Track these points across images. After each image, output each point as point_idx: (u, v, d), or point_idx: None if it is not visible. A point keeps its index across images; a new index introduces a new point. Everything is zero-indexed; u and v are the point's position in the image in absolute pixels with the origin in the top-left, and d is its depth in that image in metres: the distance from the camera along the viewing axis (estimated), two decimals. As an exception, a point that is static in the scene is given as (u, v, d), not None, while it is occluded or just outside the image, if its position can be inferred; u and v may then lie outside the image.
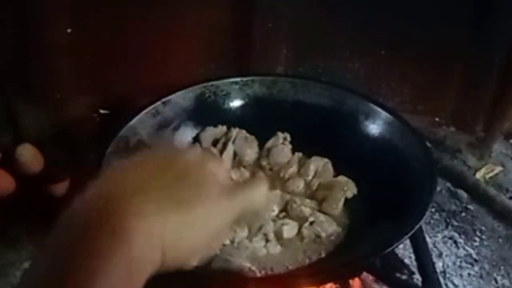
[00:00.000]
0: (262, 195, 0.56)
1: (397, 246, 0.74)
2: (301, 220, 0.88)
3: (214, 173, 0.52)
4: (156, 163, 0.49)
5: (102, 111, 1.33)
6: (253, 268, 0.79)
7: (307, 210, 0.89)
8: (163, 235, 0.45)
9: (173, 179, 0.48)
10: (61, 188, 1.15)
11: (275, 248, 0.83)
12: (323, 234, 0.85)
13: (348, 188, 0.93)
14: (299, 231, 0.86)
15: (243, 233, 0.83)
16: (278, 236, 0.85)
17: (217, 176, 0.52)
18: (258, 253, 0.82)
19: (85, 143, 1.26)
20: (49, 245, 0.44)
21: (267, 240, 0.83)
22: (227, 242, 0.81)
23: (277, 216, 0.89)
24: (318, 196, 0.93)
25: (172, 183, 0.48)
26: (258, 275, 0.78)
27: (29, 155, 1.20)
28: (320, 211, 0.90)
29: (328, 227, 0.86)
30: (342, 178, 0.95)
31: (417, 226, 0.75)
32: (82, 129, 1.30)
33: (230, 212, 0.52)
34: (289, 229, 0.86)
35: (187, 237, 0.47)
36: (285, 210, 0.90)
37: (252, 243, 0.83)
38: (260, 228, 0.83)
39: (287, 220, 0.87)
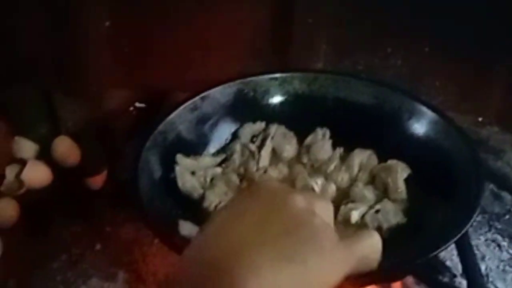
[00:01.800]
0: (376, 245, 0.53)
1: (443, 250, 0.72)
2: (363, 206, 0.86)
3: (326, 221, 0.48)
4: (266, 209, 0.46)
5: (138, 105, 1.33)
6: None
7: (370, 195, 0.87)
8: None
9: (283, 230, 0.44)
10: (98, 181, 1.15)
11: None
12: (385, 225, 0.83)
13: (403, 168, 0.90)
14: (362, 218, 0.84)
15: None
16: (345, 220, 0.83)
17: (329, 225, 0.48)
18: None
19: (121, 136, 1.25)
20: None
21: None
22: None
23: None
24: (377, 184, 0.91)
25: (282, 234, 0.44)
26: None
27: (66, 148, 1.21)
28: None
29: (392, 218, 0.84)
30: (392, 161, 0.92)
31: (464, 230, 0.73)
32: (119, 122, 1.29)
33: (344, 265, 0.48)
34: (357, 214, 0.84)
35: None
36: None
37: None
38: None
39: (354, 204, 0.85)
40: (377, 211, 0.85)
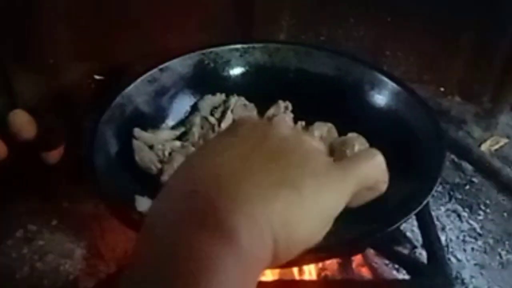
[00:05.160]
0: (379, 166, 0.46)
1: (403, 223, 0.71)
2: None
3: (316, 147, 0.44)
4: (248, 142, 0.41)
5: (97, 77, 1.30)
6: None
7: None
8: (272, 224, 0.37)
9: (271, 158, 0.40)
10: (55, 155, 1.12)
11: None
12: None
13: (362, 142, 0.89)
14: None
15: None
16: None
17: (320, 150, 0.44)
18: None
19: (80, 110, 1.22)
20: (142, 256, 0.36)
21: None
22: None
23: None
24: (337, 157, 0.89)
25: (271, 162, 0.40)
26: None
27: (22, 121, 1.16)
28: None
29: None
30: (352, 135, 0.90)
31: (424, 203, 0.72)
32: (78, 95, 1.26)
33: (344, 187, 0.43)
34: None
35: (297, 222, 0.39)
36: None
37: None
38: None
39: None
40: None
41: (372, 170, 0.46)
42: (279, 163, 0.40)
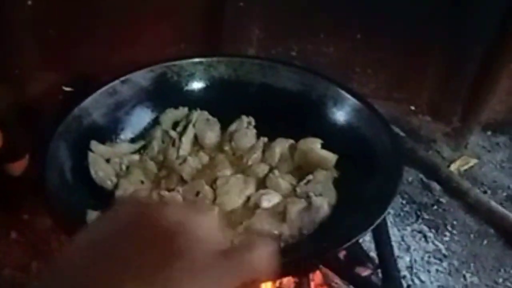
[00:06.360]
0: (264, 260, 0.42)
1: (356, 241, 0.70)
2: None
3: (205, 234, 0.41)
4: (129, 232, 0.39)
5: (66, 89, 1.28)
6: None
7: (285, 185, 0.85)
8: None
9: (154, 252, 0.37)
10: (18, 167, 1.10)
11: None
12: (313, 195, 0.81)
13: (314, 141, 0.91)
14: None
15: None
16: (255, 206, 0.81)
17: (208, 239, 0.41)
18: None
19: (47, 121, 1.20)
20: None
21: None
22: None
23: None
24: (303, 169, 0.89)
25: (153, 257, 0.37)
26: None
27: (-14, 132, 1.15)
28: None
29: (321, 188, 0.83)
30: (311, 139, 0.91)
31: (378, 221, 0.71)
32: (44, 107, 1.24)
33: (225, 283, 0.40)
34: (268, 201, 0.82)
35: None
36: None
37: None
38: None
39: (266, 191, 0.83)
40: (308, 182, 0.83)
41: (257, 263, 0.42)
42: (153, 253, 0.37)
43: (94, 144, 0.88)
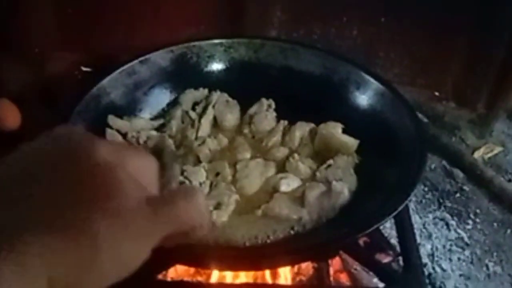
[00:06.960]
0: (197, 208, 0.40)
1: (377, 228, 0.68)
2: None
3: (134, 176, 0.38)
4: (54, 167, 0.36)
5: (84, 69, 1.27)
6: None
7: (305, 169, 0.83)
8: (51, 274, 0.32)
9: (69, 190, 0.34)
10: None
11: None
12: (334, 180, 0.79)
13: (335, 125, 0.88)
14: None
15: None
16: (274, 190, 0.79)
17: (136, 183, 0.38)
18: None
19: (66, 101, 1.20)
20: None
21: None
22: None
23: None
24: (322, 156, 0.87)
25: (68, 196, 0.34)
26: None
27: (5, 111, 1.15)
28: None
29: (342, 173, 0.81)
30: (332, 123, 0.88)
31: (401, 207, 0.69)
32: (63, 86, 1.24)
33: (150, 233, 0.37)
34: (287, 185, 0.80)
35: (89, 272, 0.34)
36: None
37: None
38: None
39: (285, 175, 0.81)
40: (328, 167, 0.81)
41: (188, 214, 0.39)
42: (81, 194, 0.34)
43: (111, 118, 0.86)
